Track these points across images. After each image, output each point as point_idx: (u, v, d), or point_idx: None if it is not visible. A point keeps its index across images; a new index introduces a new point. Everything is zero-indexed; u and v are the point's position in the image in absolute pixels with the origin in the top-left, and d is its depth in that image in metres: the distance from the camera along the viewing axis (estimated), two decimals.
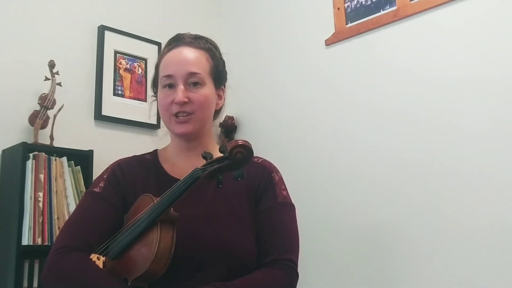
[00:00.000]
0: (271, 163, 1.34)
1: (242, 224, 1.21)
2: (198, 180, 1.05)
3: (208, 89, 1.26)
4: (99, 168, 2.27)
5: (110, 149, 2.43)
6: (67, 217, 2.02)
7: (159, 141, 2.62)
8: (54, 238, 1.96)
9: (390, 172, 2.13)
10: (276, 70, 2.66)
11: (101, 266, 1.12)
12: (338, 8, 2.43)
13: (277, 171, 1.33)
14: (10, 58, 2.20)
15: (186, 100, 1.21)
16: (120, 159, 1.33)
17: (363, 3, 2.35)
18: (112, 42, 2.54)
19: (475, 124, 1.91)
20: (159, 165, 1.30)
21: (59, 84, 2.20)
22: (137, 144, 2.55)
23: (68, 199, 2.06)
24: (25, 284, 1.94)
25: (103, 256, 1.14)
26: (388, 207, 2.12)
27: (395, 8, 2.22)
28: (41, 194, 1.97)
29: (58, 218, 2.00)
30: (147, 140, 2.60)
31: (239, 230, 1.20)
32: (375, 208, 2.16)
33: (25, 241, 1.91)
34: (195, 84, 1.23)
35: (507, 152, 1.82)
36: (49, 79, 2.17)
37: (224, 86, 1.34)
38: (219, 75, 1.31)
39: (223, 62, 1.34)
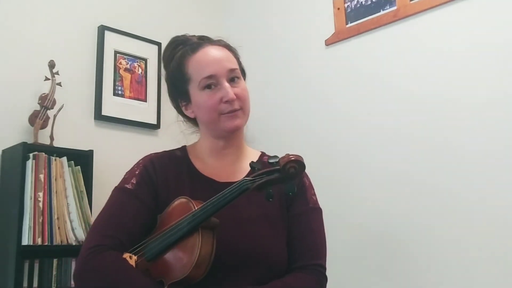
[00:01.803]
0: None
1: (275, 229, 1.21)
2: (246, 191, 1.04)
3: (244, 83, 1.27)
4: (99, 168, 2.29)
5: (110, 149, 2.44)
6: (67, 217, 2.02)
7: (159, 141, 2.64)
8: (54, 238, 1.96)
9: (391, 172, 2.13)
10: (276, 70, 2.66)
11: (133, 265, 1.11)
12: (338, 8, 2.43)
13: (307, 176, 1.33)
14: (10, 58, 2.20)
15: (235, 97, 1.21)
16: (151, 155, 1.30)
17: (363, 3, 2.35)
18: (112, 42, 2.54)
19: (475, 123, 1.91)
20: (190, 163, 1.28)
21: (59, 84, 2.20)
22: (137, 144, 2.55)
23: (68, 199, 2.05)
24: (25, 284, 1.93)
25: (135, 256, 1.12)
26: (394, 204, 2.11)
27: (395, 8, 2.22)
28: (41, 194, 1.97)
29: (58, 218, 1.99)
30: (147, 140, 2.60)
31: (272, 234, 1.20)
32: (381, 204, 2.15)
33: (25, 241, 1.90)
34: (234, 79, 1.23)
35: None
36: (49, 79, 2.17)
37: None
38: (243, 69, 1.32)
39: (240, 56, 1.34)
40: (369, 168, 2.21)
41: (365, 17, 2.32)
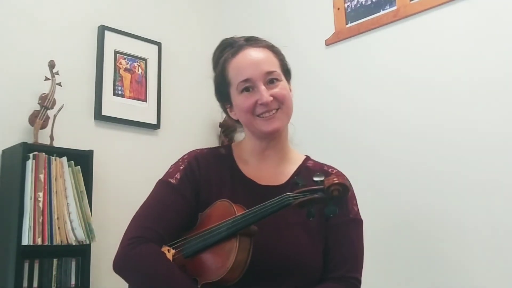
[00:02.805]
0: (344, 175, 1.28)
1: (313, 237, 1.21)
2: (287, 207, 1.05)
3: (285, 83, 1.27)
4: (99, 168, 2.29)
5: (110, 149, 2.44)
6: (67, 217, 2.02)
7: (159, 141, 2.64)
8: (54, 238, 1.96)
9: (392, 172, 2.13)
10: None
11: (170, 259, 1.13)
12: (338, 8, 2.43)
13: (350, 185, 1.30)
14: (10, 58, 2.20)
15: (272, 99, 1.21)
16: (197, 151, 1.30)
17: (363, 3, 2.35)
18: (112, 42, 2.54)
19: (474, 122, 1.91)
20: (233, 162, 1.29)
21: (59, 84, 2.20)
22: (137, 144, 2.55)
23: (68, 199, 2.05)
24: (25, 284, 1.94)
25: (173, 250, 1.15)
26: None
27: (395, 8, 2.22)
28: (41, 194, 1.97)
29: (58, 218, 1.99)
30: (147, 140, 2.60)
31: (309, 242, 1.20)
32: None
33: (25, 241, 1.90)
34: (273, 81, 1.23)
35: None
36: (49, 79, 2.17)
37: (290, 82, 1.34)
38: (287, 69, 1.32)
39: (285, 57, 1.34)
40: (369, 168, 2.21)
41: (365, 17, 2.32)
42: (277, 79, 1.24)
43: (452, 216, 1.94)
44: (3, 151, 2.11)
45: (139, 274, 1.12)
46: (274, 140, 1.27)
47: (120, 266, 1.15)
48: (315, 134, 2.43)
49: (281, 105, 1.23)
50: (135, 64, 2.63)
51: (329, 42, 2.45)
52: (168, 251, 1.14)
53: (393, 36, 2.22)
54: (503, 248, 1.80)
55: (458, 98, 1.97)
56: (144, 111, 2.59)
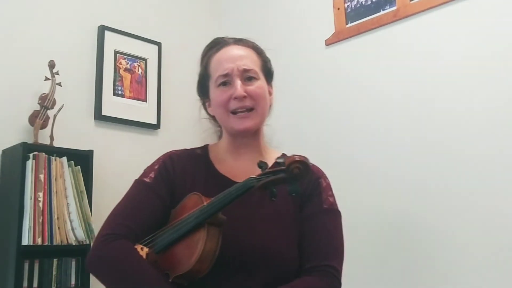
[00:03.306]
0: (319, 168, 1.33)
1: (286, 229, 1.21)
2: (251, 189, 1.05)
3: (262, 83, 1.27)
4: (99, 168, 2.29)
5: (110, 149, 2.44)
6: (67, 217, 2.02)
7: (159, 141, 2.64)
8: (54, 238, 1.96)
9: (392, 172, 2.13)
10: (276, 70, 2.65)
11: (144, 257, 1.13)
12: (338, 8, 2.43)
13: (325, 177, 1.32)
14: (10, 58, 2.20)
15: (245, 94, 1.21)
16: (172, 152, 1.32)
17: (363, 3, 2.35)
18: (112, 42, 2.54)
19: (474, 121, 1.91)
20: (209, 161, 1.30)
21: (59, 84, 2.20)
22: (137, 144, 2.55)
23: (68, 199, 2.06)
24: (25, 284, 1.94)
25: (146, 248, 1.15)
26: (400, 203, 2.11)
27: (395, 8, 2.22)
28: (41, 194, 1.97)
29: (58, 218, 1.99)
30: (147, 140, 2.60)
31: (282, 234, 1.19)
32: (388, 204, 2.15)
33: (25, 241, 1.91)
34: (250, 78, 1.24)
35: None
36: (49, 79, 2.17)
37: (272, 85, 1.35)
38: (269, 71, 1.33)
39: (269, 60, 1.35)
40: (369, 168, 2.21)
41: (365, 17, 2.32)
42: (254, 78, 1.25)
43: (437, 223, 1.96)
44: (3, 151, 2.11)
45: (111, 270, 1.12)
46: (248, 138, 1.28)
47: (92, 263, 1.15)
48: (315, 134, 2.44)
49: (255, 105, 1.23)
50: (135, 64, 2.63)
51: (329, 42, 2.45)
52: (142, 248, 1.14)
53: (393, 36, 2.22)
54: (488, 256, 1.82)
55: (458, 97, 1.97)
56: (144, 111, 2.59)
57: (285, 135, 2.53)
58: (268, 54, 1.36)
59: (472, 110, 1.93)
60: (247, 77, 1.24)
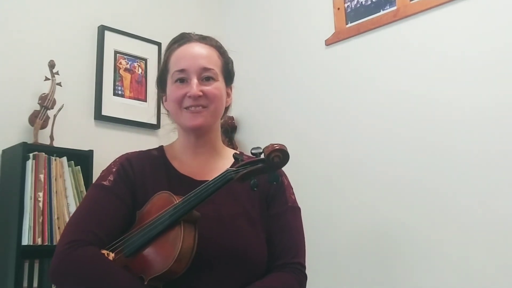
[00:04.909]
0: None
1: (254, 227, 1.21)
2: (230, 181, 1.04)
3: (220, 84, 1.26)
4: (99, 168, 2.27)
5: (110, 149, 2.42)
6: (67, 217, 2.02)
7: (159, 141, 2.63)
8: (54, 238, 1.96)
9: (392, 171, 2.13)
10: (276, 70, 2.66)
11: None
12: (338, 8, 2.43)
13: (285, 175, 1.34)
14: (10, 58, 2.20)
15: (201, 94, 1.21)
16: (128, 154, 1.30)
17: (363, 3, 2.35)
18: (112, 42, 2.54)
19: (474, 121, 1.91)
20: (167, 162, 1.28)
21: (59, 84, 2.20)
22: (137, 144, 2.52)
23: (68, 199, 2.06)
24: (25, 284, 1.94)
25: (112, 253, 1.10)
26: (390, 206, 2.12)
27: (395, 8, 2.22)
28: (41, 194, 1.97)
29: (58, 218, 2.00)
30: (147, 140, 2.59)
31: (251, 232, 1.20)
32: (378, 207, 2.16)
33: (25, 241, 1.91)
34: (208, 78, 1.23)
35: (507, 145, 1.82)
36: (49, 79, 2.17)
37: (231, 86, 1.35)
38: (229, 73, 1.32)
39: (232, 61, 1.34)
40: (369, 168, 2.21)
41: (365, 17, 2.32)
42: (212, 78, 1.24)
43: (437, 224, 1.97)
44: (3, 151, 2.11)
45: (78, 279, 1.06)
46: (202, 137, 1.27)
47: (56, 274, 1.08)
48: (315, 133, 2.44)
49: (209, 103, 1.22)
50: (135, 64, 2.63)
51: (329, 42, 2.45)
52: (108, 254, 1.08)
53: (393, 36, 2.22)
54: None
55: (458, 97, 1.97)
56: (144, 111, 2.59)
57: (285, 134, 2.54)
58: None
59: (472, 110, 1.93)
60: (205, 77, 1.23)
